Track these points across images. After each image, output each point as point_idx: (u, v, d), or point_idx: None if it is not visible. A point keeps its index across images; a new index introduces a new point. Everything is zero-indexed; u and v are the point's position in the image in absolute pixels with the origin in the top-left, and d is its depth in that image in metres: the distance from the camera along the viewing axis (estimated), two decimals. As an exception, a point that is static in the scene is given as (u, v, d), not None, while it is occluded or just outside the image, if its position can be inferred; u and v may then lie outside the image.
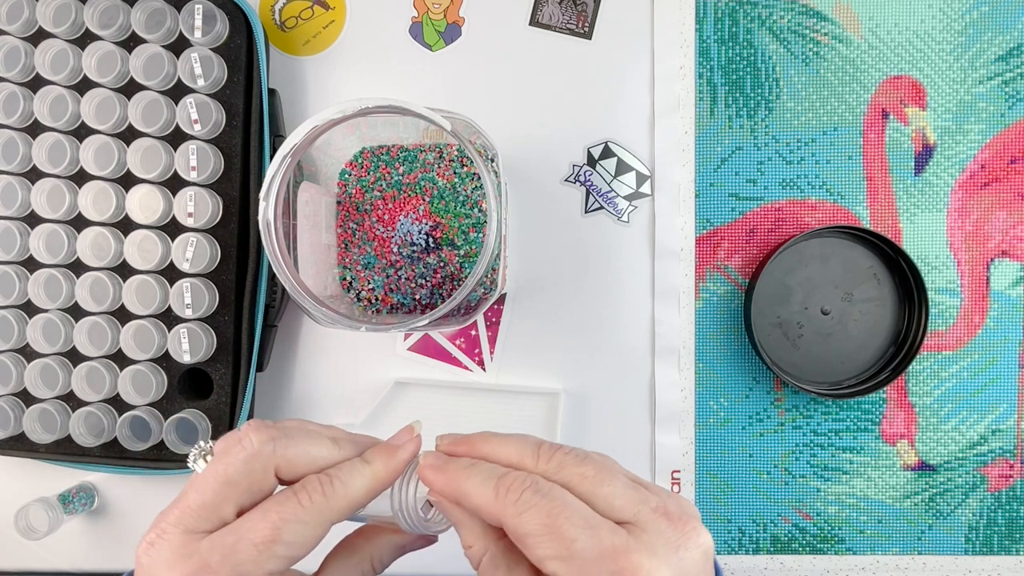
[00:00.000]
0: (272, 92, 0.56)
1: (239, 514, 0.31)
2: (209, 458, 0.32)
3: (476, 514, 0.31)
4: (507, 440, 0.32)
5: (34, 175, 0.53)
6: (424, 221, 0.54)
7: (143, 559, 0.31)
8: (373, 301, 0.54)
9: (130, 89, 0.53)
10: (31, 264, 0.54)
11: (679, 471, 0.58)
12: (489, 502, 0.30)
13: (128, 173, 0.53)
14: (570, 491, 0.30)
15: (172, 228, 0.53)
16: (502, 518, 0.29)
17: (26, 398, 0.54)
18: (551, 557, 0.28)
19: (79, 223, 0.54)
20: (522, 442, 0.32)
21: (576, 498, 0.29)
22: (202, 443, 0.32)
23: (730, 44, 0.59)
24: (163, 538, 0.30)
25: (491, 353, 0.58)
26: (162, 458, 0.54)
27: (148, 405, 0.54)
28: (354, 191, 0.54)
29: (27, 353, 0.54)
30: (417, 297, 0.54)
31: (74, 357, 0.54)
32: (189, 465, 0.32)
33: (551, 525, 0.28)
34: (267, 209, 0.43)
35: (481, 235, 0.53)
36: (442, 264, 0.53)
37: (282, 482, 0.33)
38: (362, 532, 0.37)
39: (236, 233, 0.54)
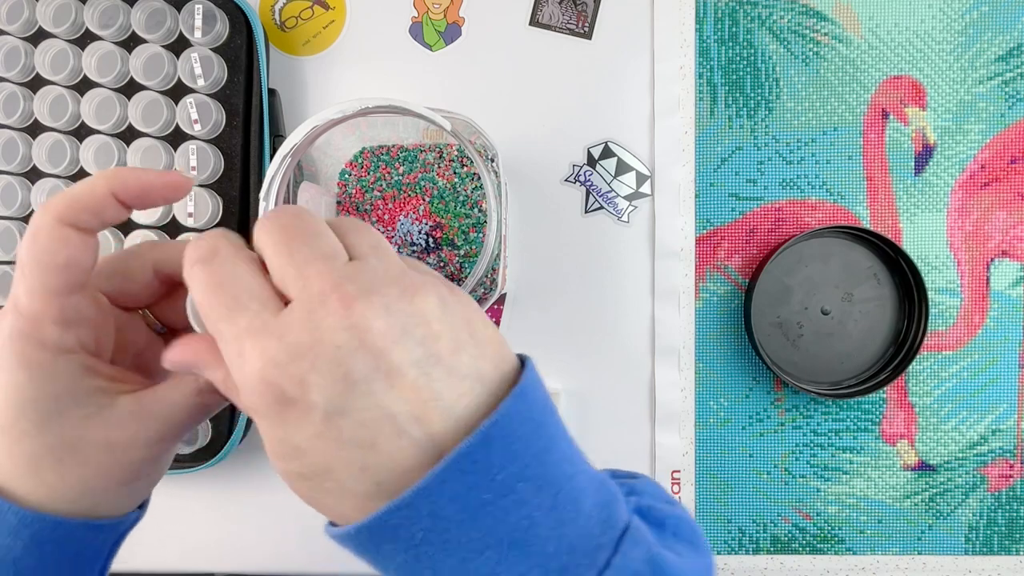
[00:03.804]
0: (272, 92, 0.56)
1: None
2: None
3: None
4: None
5: (34, 175, 0.53)
6: (424, 221, 0.54)
7: None
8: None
9: (130, 89, 0.53)
10: (31, 264, 0.54)
11: (679, 471, 0.58)
12: (177, 263, 0.28)
13: (128, 173, 0.53)
14: (266, 254, 0.27)
15: (172, 228, 0.53)
16: (183, 279, 0.27)
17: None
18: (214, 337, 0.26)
19: (79, 223, 0.54)
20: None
21: (247, 271, 0.26)
22: None
23: (730, 44, 0.59)
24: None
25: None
26: (162, 458, 0.54)
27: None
28: (354, 191, 0.54)
29: (27, 353, 0.54)
30: (417, 297, 0.54)
31: (74, 357, 0.54)
32: None
33: (204, 302, 0.26)
34: (267, 209, 0.43)
35: (481, 235, 0.53)
36: (442, 264, 0.53)
37: None
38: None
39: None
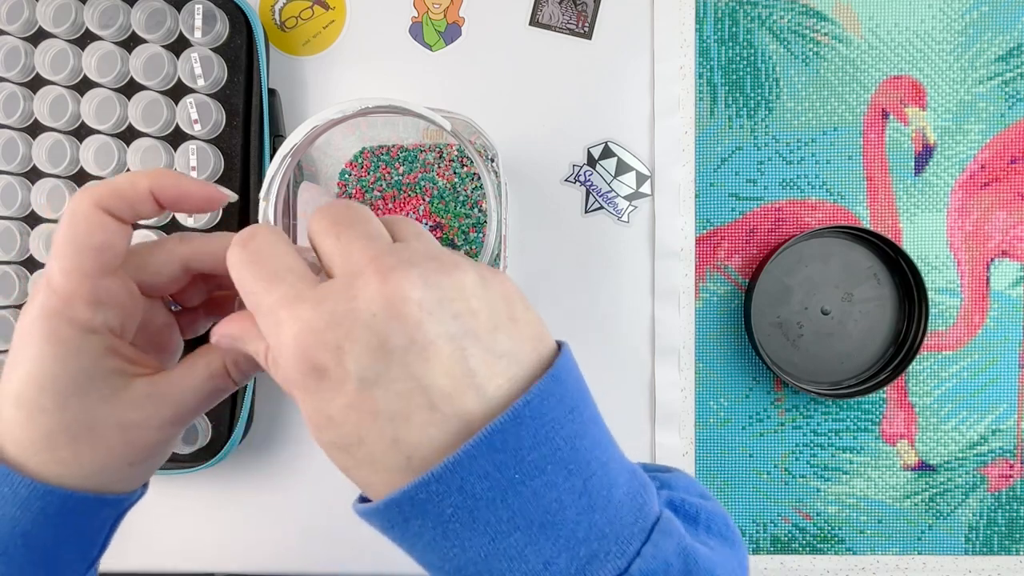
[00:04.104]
0: (272, 92, 0.56)
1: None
2: None
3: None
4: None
5: (34, 175, 0.53)
6: (424, 221, 0.53)
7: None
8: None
9: (130, 89, 0.53)
10: (31, 264, 0.54)
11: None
12: (219, 256, 0.29)
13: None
14: (311, 233, 0.28)
15: (172, 228, 0.53)
16: (225, 270, 0.28)
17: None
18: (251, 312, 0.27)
19: (79, 223, 0.54)
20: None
21: (287, 249, 0.27)
22: None
23: (730, 44, 0.59)
24: None
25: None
26: (162, 458, 0.54)
27: (148, 405, 0.54)
28: (354, 191, 0.54)
29: (27, 353, 0.54)
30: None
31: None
32: None
33: (240, 278, 0.27)
34: (267, 209, 0.43)
35: (481, 235, 0.53)
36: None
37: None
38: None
39: (236, 233, 0.54)
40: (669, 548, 0.26)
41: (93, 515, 0.31)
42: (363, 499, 0.28)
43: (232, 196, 0.33)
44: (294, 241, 0.48)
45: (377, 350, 0.24)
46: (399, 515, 0.25)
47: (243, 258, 0.27)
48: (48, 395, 0.28)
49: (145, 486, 0.34)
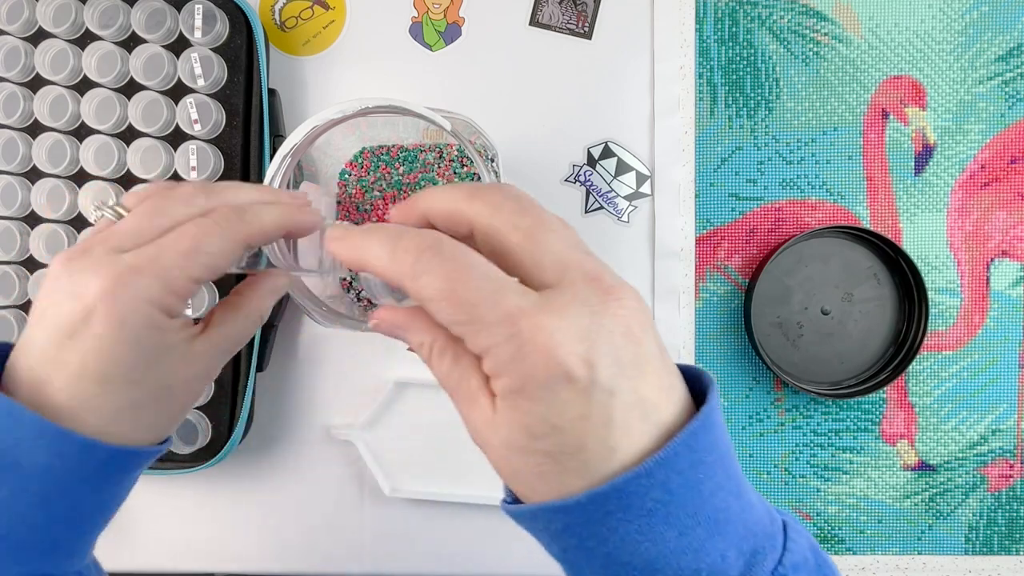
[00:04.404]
0: (272, 92, 0.56)
1: None
2: (116, 212, 0.34)
3: (382, 278, 0.30)
4: (444, 188, 0.30)
5: (34, 175, 0.53)
6: (424, 221, 0.53)
7: (58, 268, 0.31)
8: (373, 301, 0.54)
9: (130, 89, 0.53)
10: (31, 264, 0.54)
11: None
12: (387, 265, 0.28)
13: (128, 173, 0.53)
14: (499, 241, 0.28)
15: (172, 228, 0.53)
16: (401, 282, 0.28)
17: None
18: (452, 323, 0.27)
19: (79, 223, 0.54)
20: (458, 186, 0.30)
21: (483, 259, 0.27)
22: (110, 201, 0.34)
23: (730, 44, 0.59)
24: (87, 253, 0.31)
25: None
26: (162, 457, 0.54)
27: (148, 405, 0.54)
28: (354, 191, 0.54)
29: (27, 353, 0.54)
30: (417, 297, 0.54)
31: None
32: (92, 214, 0.35)
33: (450, 289, 0.26)
34: (267, 209, 0.43)
35: (481, 235, 0.53)
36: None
37: None
38: (247, 283, 0.38)
39: (236, 233, 0.54)
40: (804, 544, 0.29)
41: (141, 465, 0.34)
42: (515, 499, 0.30)
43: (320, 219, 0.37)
44: (294, 240, 0.48)
45: (616, 363, 0.26)
46: (600, 509, 0.26)
47: (444, 269, 0.27)
48: (136, 370, 0.31)
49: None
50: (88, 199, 0.53)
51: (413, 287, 0.27)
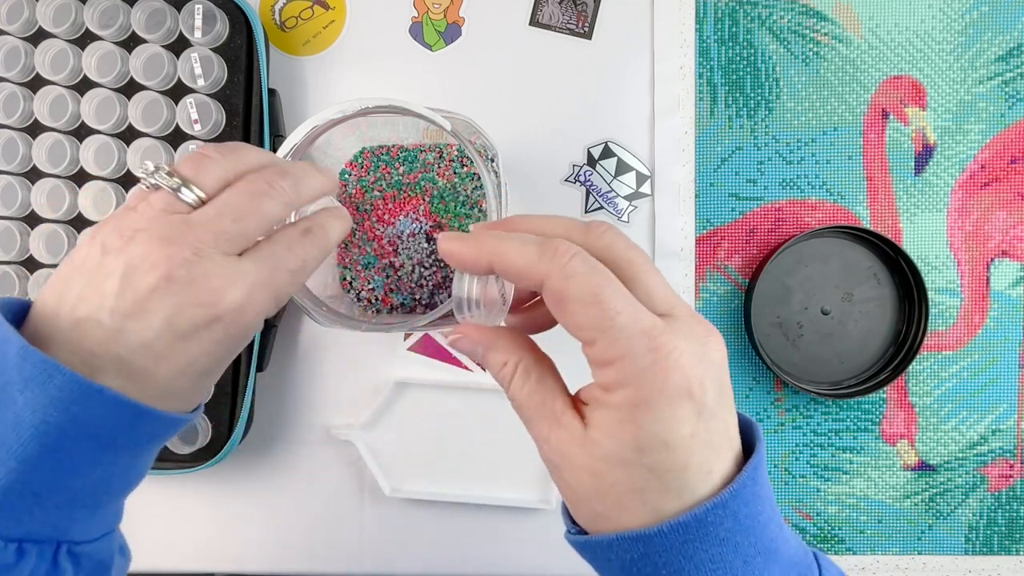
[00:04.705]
0: (272, 92, 0.56)
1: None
2: (186, 190, 0.33)
3: (514, 276, 0.30)
4: (552, 217, 0.31)
5: (34, 175, 0.53)
6: (424, 221, 0.54)
7: (193, 271, 0.31)
8: (373, 301, 0.54)
9: (130, 89, 0.53)
10: (31, 264, 0.54)
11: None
12: (533, 262, 0.29)
13: (128, 174, 0.53)
14: (614, 271, 0.29)
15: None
16: (547, 279, 0.29)
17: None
18: (590, 327, 0.28)
19: (79, 223, 0.54)
20: (569, 219, 0.31)
21: (618, 279, 0.29)
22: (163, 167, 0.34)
23: (730, 44, 0.59)
24: (200, 255, 0.32)
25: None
26: (162, 457, 0.54)
27: (148, 405, 0.54)
28: (354, 191, 0.54)
29: (27, 353, 0.54)
30: (417, 297, 0.54)
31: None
32: (145, 177, 0.34)
33: (597, 295, 0.28)
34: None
35: (481, 235, 0.53)
36: (443, 265, 0.53)
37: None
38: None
39: (236, 233, 0.54)
40: (835, 572, 0.32)
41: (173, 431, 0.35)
42: (579, 530, 0.31)
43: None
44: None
45: (718, 391, 0.29)
46: (681, 537, 0.28)
47: (602, 275, 0.29)
48: (227, 363, 0.35)
49: None
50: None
51: (559, 285, 0.28)
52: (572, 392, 0.32)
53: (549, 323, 0.34)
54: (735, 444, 0.30)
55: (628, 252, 0.30)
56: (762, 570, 0.28)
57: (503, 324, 0.34)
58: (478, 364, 0.32)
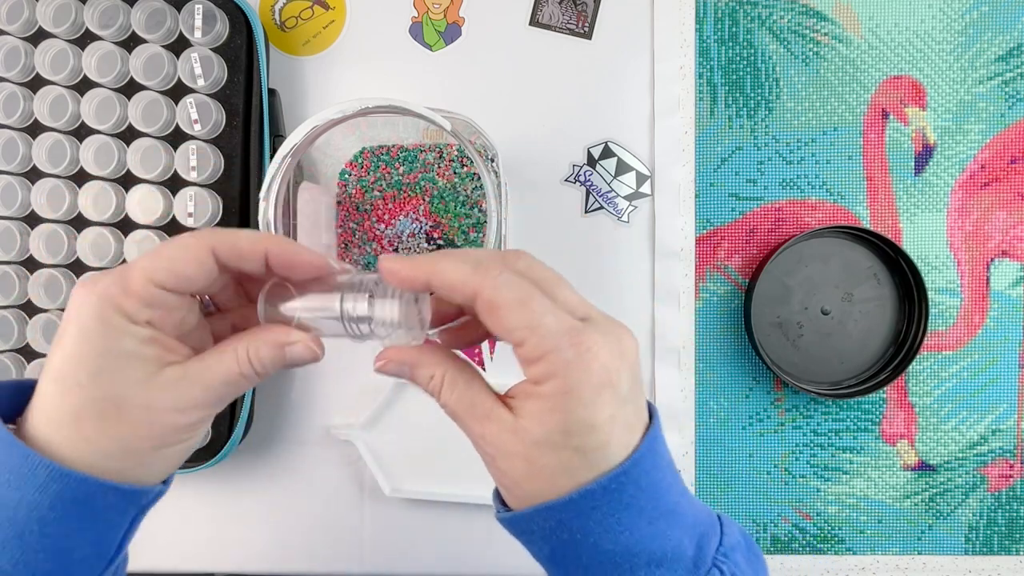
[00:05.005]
0: (272, 92, 0.56)
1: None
2: None
3: (449, 290, 0.32)
4: (467, 252, 0.34)
5: (34, 175, 0.53)
6: (424, 221, 0.54)
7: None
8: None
9: (130, 89, 0.53)
10: (31, 264, 0.54)
11: (679, 471, 0.58)
12: (467, 276, 0.32)
13: (128, 173, 0.53)
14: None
15: (172, 228, 0.53)
16: (481, 290, 0.31)
17: (26, 398, 0.54)
18: (520, 328, 0.31)
19: (79, 223, 0.54)
20: (485, 251, 0.35)
21: (548, 274, 0.34)
22: None
23: (730, 44, 0.59)
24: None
25: (491, 353, 0.58)
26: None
27: (148, 405, 0.54)
28: (354, 191, 0.54)
29: (27, 353, 0.54)
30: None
31: (74, 357, 0.54)
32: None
33: (525, 300, 0.31)
34: (267, 209, 0.43)
35: (481, 235, 0.53)
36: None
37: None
38: (256, 328, 0.36)
39: (236, 233, 0.53)
40: (736, 531, 0.35)
41: (110, 504, 0.32)
42: (505, 506, 0.35)
43: (332, 267, 0.36)
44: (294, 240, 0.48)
45: (632, 380, 0.33)
46: (589, 503, 0.31)
47: (530, 284, 0.32)
48: (85, 371, 0.30)
49: (166, 483, 0.35)
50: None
51: (492, 294, 0.31)
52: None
53: (469, 341, 0.37)
54: (644, 415, 0.34)
55: (544, 272, 0.34)
56: (665, 529, 0.32)
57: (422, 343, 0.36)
58: (410, 380, 0.34)
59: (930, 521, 0.58)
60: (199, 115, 0.52)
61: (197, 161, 0.52)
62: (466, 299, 0.32)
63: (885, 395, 0.58)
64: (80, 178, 0.53)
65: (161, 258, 0.32)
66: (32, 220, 0.54)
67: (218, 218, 0.53)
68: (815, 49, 0.59)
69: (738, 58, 0.59)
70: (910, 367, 0.57)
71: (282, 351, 0.34)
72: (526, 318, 0.31)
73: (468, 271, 0.32)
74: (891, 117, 0.59)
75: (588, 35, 0.59)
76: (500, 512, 0.35)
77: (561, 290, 0.34)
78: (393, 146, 0.54)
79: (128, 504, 0.33)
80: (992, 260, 0.58)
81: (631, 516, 0.32)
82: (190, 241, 0.32)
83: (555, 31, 0.59)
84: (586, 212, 0.59)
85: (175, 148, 0.53)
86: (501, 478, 0.34)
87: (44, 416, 0.31)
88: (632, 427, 0.33)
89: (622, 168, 0.58)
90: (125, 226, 0.53)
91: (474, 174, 0.53)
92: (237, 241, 0.33)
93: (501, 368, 0.58)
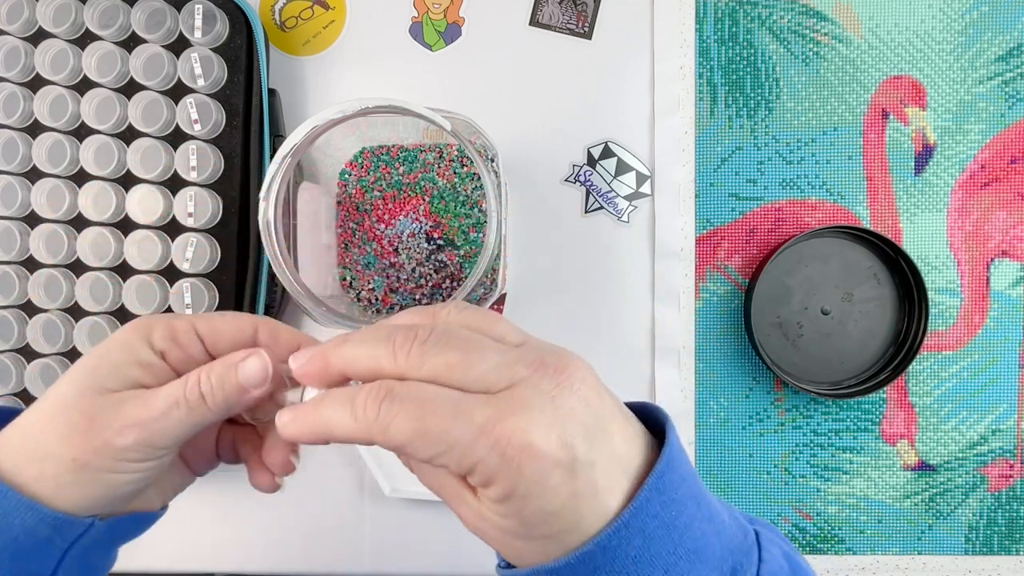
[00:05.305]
0: (272, 92, 0.56)
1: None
2: None
3: (355, 441, 0.29)
4: (360, 346, 0.30)
5: (34, 175, 0.53)
6: (424, 221, 0.54)
7: None
8: (373, 301, 0.54)
9: (130, 89, 0.53)
10: (31, 264, 0.54)
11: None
12: (353, 429, 0.28)
13: (128, 173, 0.53)
14: (439, 384, 0.28)
15: (172, 228, 0.53)
16: (372, 439, 0.28)
17: (26, 398, 0.54)
18: (432, 454, 0.27)
19: (79, 223, 0.54)
20: (375, 344, 0.30)
21: (434, 386, 0.28)
22: None
23: (730, 44, 0.59)
24: None
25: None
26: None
27: (148, 405, 0.54)
28: (354, 191, 0.54)
29: (27, 353, 0.54)
30: (417, 297, 0.54)
31: (74, 357, 0.54)
32: None
33: (420, 428, 0.27)
34: (267, 209, 0.43)
35: (481, 235, 0.53)
36: (442, 264, 0.53)
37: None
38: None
39: (236, 233, 0.54)
40: (777, 553, 0.32)
41: (39, 532, 0.32)
42: (508, 564, 0.31)
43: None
44: (294, 240, 0.48)
45: (587, 436, 0.28)
46: (589, 565, 0.28)
47: (416, 403, 0.28)
48: (84, 369, 0.32)
49: (138, 518, 0.37)
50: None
51: (385, 439, 0.28)
52: None
53: None
54: (632, 463, 0.29)
55: (444, 355, 0.29)
56: (687, 572, 0.28)
57: None
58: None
59: (930, 521, 0.58)
60: (199, 115, 0.52)
61: (197, 161, 0.52)
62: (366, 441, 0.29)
63: (885, 395, 0.58)
64: (80, 178, 0.53)
65: (211, 315, 0.34)
66: (32, 220, 0.54)
67: (218, 218, 0.53)
68: (815, 49, 0.59)
69: (738, 58, 0.59)
70: (910, 367, 0.57)
71: (233, 369, 0.32)
72: (432, 446, 0.27)
73: (351, 423, 0.28)
74: (891, 117, 0.59)
75: (588, 35, 0.59)
76: (500, 567, 0.32)
77: (472, 369, 0.28)
78: (393, 146, 0.54)
79: (62, 537, 0.33)
80: (992, 260, 0.58)
81: (641, 569, 0.28)
82: (241, 315, 0.35)
83: (555, 31, 0.59)
84: (586, 212, 0.59)
85: (175, 148, 0.53)
86: (489, 542, 0.31)
87: (20, 430, 0.33)
88: (608, 484, 0.28)
89: (622, 168, 0.58)
90: (125, 226, 0.53)
91: (474, 174, 0.53)
92: (277, 331, 0.35)
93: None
